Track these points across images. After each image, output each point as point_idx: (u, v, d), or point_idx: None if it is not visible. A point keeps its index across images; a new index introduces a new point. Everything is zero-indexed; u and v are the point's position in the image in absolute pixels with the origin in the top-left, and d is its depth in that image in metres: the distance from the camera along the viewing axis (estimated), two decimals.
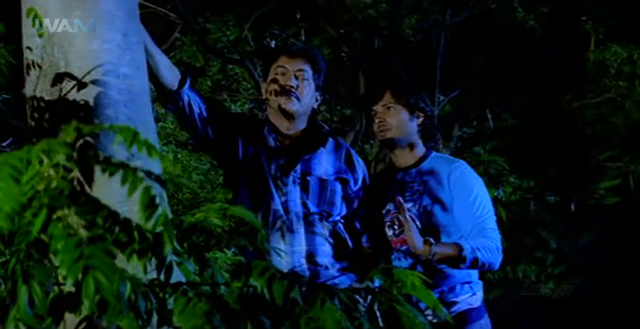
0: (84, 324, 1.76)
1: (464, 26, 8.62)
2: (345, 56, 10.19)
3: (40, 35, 2.20)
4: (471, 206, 3.46)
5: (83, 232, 1.30)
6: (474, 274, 3.54)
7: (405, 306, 1.90)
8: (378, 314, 1.90)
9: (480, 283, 3.55)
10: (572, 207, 9.56)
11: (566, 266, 9.72)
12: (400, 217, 3.29)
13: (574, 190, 9.31)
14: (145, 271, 1.49)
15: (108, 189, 1.95)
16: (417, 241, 3.24)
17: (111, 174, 1.47)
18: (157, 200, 1.43)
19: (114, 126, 1.60)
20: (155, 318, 1.75)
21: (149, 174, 1.52)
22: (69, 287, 1.24)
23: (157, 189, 1.50)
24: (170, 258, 1.76)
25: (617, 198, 8.99)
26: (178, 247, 1.78)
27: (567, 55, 8.35)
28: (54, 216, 1.29)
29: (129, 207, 2.06)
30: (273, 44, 10.25)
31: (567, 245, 9.96)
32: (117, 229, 1.42)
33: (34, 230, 1.28)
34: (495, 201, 9.21)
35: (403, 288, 1.99)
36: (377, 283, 2.16)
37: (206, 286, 1.77)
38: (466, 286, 3.49)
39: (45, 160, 1.36)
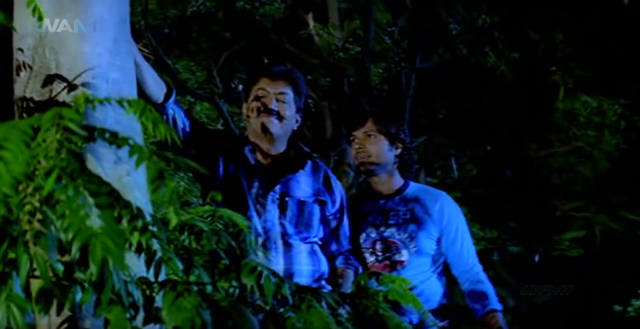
0: (65, 324, 1.76)
1: (431, 74, 8.76)
2: (311, 102, 10.27)
3: (40, 26, 2.20)
4: (454, 239, 3.61)
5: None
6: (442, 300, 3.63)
7: (389, 312, 1.91)
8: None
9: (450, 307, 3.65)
10: (536, 258, 9.62)
11: (521, 326, 9.74)
12: None
13: (537, 241, 9.39)
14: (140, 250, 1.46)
15: (99, 170, 1.95)
16: None
17: (119, 147, 1.47)
18: (164, 174, 1.43)
19: (124, 99, 1.61)
20: (141, 316, 1.74)
21: (153, 152, 1.51)
22: (74, 252, 1.22)
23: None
24: (160, 254, 1.76)
25: (581, 250, 9.07)
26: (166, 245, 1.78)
27: (535, 104, 8.49)
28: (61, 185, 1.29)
29: (121, 189, 2.08)
30: (240, 87, 10.32)
31: (525, 303, 9.98)
32: (118, 206, 1.42)
33: (45, 189, 1.27)
34: None
35: (389, 294, 1.99)
36: None
37: (194, 286, 1.77)
38: (437, 311, 3.56)
39: (54, 128, 1.36)
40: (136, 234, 1.46)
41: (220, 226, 1.97)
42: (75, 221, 1.23)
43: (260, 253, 3.16)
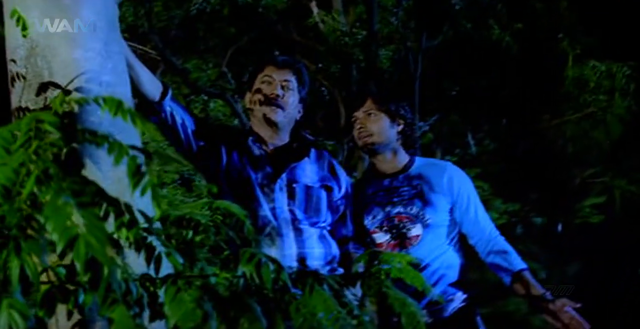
0: (75, 320, 1.78)
1: (439, 52, 8.72)
2: (324, 90, 10.26)
3: (24, 36, 2.22)
4: (467, 207, 3.60)
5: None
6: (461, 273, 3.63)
7: (393, 290, 1.92)
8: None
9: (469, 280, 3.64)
10: (559, 227, 9.58)
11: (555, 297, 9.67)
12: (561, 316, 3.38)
13: (559, 210, 9.35)
14: (132, 245, 1.48)
15: (98, 173, 1.97)
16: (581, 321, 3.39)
17: (98, 145, 1.49)
18: (143, 168, 1.45)
19: (99, 98, 1.63)
20: (147, 313, 1.76)
21: (133, 147, 1.53)
22: (59, 251, 1.24)
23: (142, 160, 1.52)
24: (160, 249, 1.78)
25: (602, 216, 9.02)
26: (165, 240, 1.80)
27: (544, 74, 8.44)
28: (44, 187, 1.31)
29: (120, 191, 2.10)
30: None
31: (557, 274, 9.94)
32: (105, 203, 1.44)
33: (23, 194, 1.29)
34: None
35: (391, 272, 2.00)
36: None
37: (197, 279, 1.78)
38: (457, 284, 3.57)
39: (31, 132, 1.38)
40: (124, 230, 1.47)
41: (220, 218, 1.98)
42: (59, 221, 1.25)
43: (269, 240, 3.19)
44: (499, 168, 9.40)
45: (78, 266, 1.24)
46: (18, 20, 2.19)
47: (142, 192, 1.45)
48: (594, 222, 9.01)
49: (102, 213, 1.43)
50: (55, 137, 1.48)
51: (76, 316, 1.78)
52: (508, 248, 3.56)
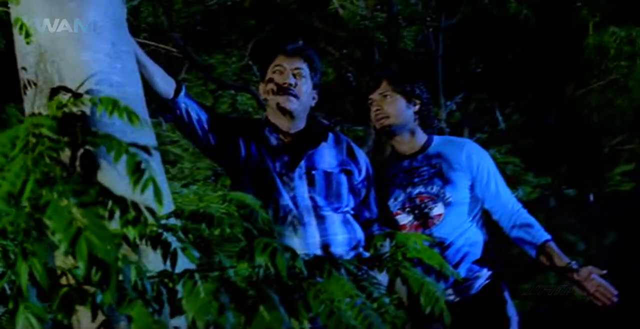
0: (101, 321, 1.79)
1: (459, 29, 8.66)
2: (350, 75, 10.23)
3: (27, 43, 2.23)
4: (488, 182, 3.56)
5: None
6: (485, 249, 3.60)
7: (411, 270, 1.91)
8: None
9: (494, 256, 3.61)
10: (591, 198, 9.49)
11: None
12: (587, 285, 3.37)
13: (590, 181, 9.26)
14: (137, 239, 1.48)
15: (114, 173, 1.98)
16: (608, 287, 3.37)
17: (96, 146, 1.50)
18: (144, 165, 1.45)
19: (94, 98, 1.63)
20: (167, 310, 1.77)
21: (133, 145, 1.53)
22: (63, 249, 1.25)
23: (147, 158, 1.52)
24: (175, 245, 1.79)
25: (633, 183, 8.92)
26: (182, 235, 1.81)
27: (564, 44, 8.35)
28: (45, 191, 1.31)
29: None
30: None
31: (594, 245, 9.87)
32: (110, 202, 1.44)
33: (23, 197, 1.29)
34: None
35: (408, 252, 1.99)
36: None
37: (214, 272, 1.79)
38: (482, 261, 3.54)
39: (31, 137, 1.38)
40: (130, 228, 1.48)
41: (235, 209, 1.98)
42: (61, 221, 1.25)
43: (291, 229, 3.18)
44: (528, 143, 9.33)
45: (81, 264, 1.24)
46: (21, 27, 2.18)
47: (143, 189, 1.45)
48: (625, 190, 8.93)
49: (107, 212, 1.43)
50: (61, 139, 1.49)
51: (101, 317, 1.79)
52: (531, 220, 3.53)
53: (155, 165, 2.28)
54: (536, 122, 9.34)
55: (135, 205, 1.50)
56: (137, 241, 1.71)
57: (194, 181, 8.79)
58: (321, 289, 1.76)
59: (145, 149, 1.57)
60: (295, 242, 3.15)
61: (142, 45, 8.78)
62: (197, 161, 8.86)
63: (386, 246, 2.35)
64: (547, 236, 3.49)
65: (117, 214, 1.48)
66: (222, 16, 9.89)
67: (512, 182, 9.01)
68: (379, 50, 8.99)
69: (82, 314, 1.78)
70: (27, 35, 2.20)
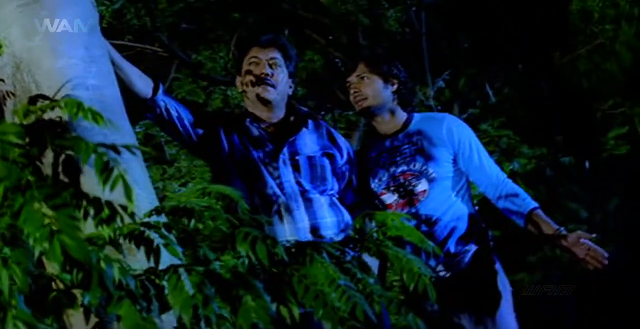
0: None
1: (441, 6, 8.64)
2: (338, 61, 10.22)
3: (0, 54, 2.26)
4: (478, 156, 3.60)
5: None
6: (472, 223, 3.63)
7: (393, 248, 1.94)
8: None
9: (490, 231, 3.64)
10: (587, 164, 9.48)
11: (600, 234, 9.65)
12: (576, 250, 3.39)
13: (584, 147, 9.26)
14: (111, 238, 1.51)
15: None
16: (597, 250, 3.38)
17: (64, 149, 1.52)
18: (112, 163, 1.48)
19: (57, 102, 1.66)
20: (156, 306, 1.79)
21: (101, 145, 1.56)
22: (37, 254, 1.28)
23: (116, 157, 1.55)
24: (158, 241, 1.81)
25: (628, 146, 8.91)
26: (164, 232, 1.83)
27: (548, 12, 8.31)
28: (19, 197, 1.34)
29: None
30: None
31: (598, 211, 9.86)
32: (84, 202, 1.47)
33: None
34: (513, 174, 9.21)
35: (388, 231, 2.01)
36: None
37: (199, 266, 1.81)
38: (470, 235, 3.56)
39: None
40: (105, 226, 1.50)
41: (214, 202, 2.00)
42: (34, 224, 1.27)
43: (280, 215, 3.22)
44: (521, 114, 9.32)
45: (56, 266, 1.27)
46: None
47: (112, 187, 1.48)
48: (620, 154, 8.92)
49: (82, 213, 1.46)
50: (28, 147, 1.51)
51: (94, 320, 1.82)
52: (518, 190, 3.55)
53: (135, 164, 2.32)
54: (527, 93, 9.33)
55: (109, 204, 1.53)
56: (120, 240, 1.74)
57: (191, 179, 8.83)
58: (305, 274, 1.79)
59: (114, 148, 1.59)
60: (285, 227, 3.21)
61: (128, 47, 8.80)
62: (194, 160, 8.88)
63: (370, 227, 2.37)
64: (534, 204, 3.51)
65: (91, 213, 1.50)
66: (207, 12, 9.88)
67: (507, 155, 9.01)
68: (363, 34, 8.99)
69: (74, 318, 1.80)
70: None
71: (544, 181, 9.43)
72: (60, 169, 1.94)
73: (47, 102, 2.27)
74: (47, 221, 1.29)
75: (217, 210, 1.86)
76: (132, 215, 1.63)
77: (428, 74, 8.25)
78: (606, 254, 3.33)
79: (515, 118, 9.19)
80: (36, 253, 1.28)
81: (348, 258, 1.97)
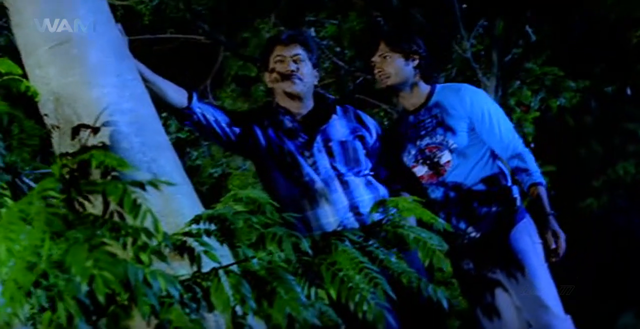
0: None
1: None
2: (380, 20, 10.18)
3: (37, 101, 2.44)
4: (490, 123, 3.67)
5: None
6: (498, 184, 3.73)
7: (409, 229, 2.09)
8: None
9: (516, 187, 3.73)
10: (628, 91, 9.42)
11: None
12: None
13: (624, 75, 9.18)
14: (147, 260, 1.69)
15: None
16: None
17: (96, 193, 1.71)
18: (139, 201, 1.66)
19: (88, 154, 1.83)
20: (204, 306, 1.98)
21: (132, 183, 1.73)
22: (84, 290, 1.47)
23: (142, 193, 1.72)
24: (198, 249, 2.00)
25: None
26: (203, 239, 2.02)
27: None
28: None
29: (166, 219, 2.33)
30: (313, 31, 10.23)
31: None
32: (122, 234, 1.65)
33: (43, 255, 1.52)
34: (561, 110, 9.21)
35: (402, 213, 2.16)
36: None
37: (239, 264, 1.99)
38: (496, 196, 3.68)
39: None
40: (142, 254, 1.68)
41: (243, 208, 2.18)
42: (78, 267, 1.46)
43: (320, 199, 3.38)
44: (565, 50, 9.26)
45: (101, 298, 1.46)
46: (27, 89, 2.39)
47: (142, 221, 1.65)
48: None
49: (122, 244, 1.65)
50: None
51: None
52: (528, 165, 3.66)
53: (177, 174, 2.49)
54: (564, 29, 9.25)
55: (146, 231, 1.70)
56: (166, 251, 1.93)
57: (229, 174, 9.12)
58: (332, 262, 1.96)
59: (140, 185, 1.76)
60: (326, 209, 3.38)
61: (171, 40, 8.89)
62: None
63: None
64: (541, 180, 3.65)
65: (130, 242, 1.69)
66: None
67: (554, 91, 9.03)
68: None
69: (134, 324, 2.00)
70: (35, 95, 2.40)
71: (591, 112, 9.43)
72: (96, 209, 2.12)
73: (87, 130, 2.46)
74: (88, 263, 1.48)
75: (246, 215, 2.04)
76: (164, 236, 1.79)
77: (461, 27, 8.25)
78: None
79: (561, 54, 9.15)
80: (83, 290, 1.47)
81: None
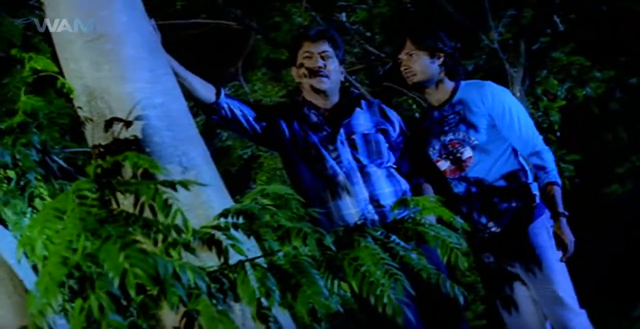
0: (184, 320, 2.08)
1: None
2: (409, 6, 10.16)
3: (72, 98, 2.50)
4: (511, 120, 3.70)
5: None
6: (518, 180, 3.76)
7: (429, 227, 2.13)
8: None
9: (535, 184, 3.76)
10: None
11: None
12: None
13: None
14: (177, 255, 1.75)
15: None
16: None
17: (129, 193, 1.77)
18: (170, 201, 1.72)
19: (122, 155, 1.88)
20: (231, 297, 2.04)
21: (162, 183, 1.79)
22: (116, 285, 1.54)
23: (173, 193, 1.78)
24: (225, 242, 2.06)
25: None
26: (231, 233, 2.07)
27: None
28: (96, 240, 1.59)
29: (196, 211, 2.39)
30: (344, 16, 10.21)
31: None
32: (153, 231, 1.71)
33: (79, 251, 1.58)
34: (587, 99, 9.18)
35: (423, 212, 2.21)
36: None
37: (265, 257, 2.05)
38: (517, 191, 3.71)
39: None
40: (172, 250, 1.74)
41: (268, 202, 2.23)
42: (111, 262, 1.53)
43: (342, 191, 3.43)
44: (591, 39, 9.21)
45: (132, 292, 1.53)
46: (63, 86, 2.45)
47: (173, 219, 1.71)
48: None
49: (152, 241, 1.71)
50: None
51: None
52: (545, 163, 3.70)
53: (207, 168, 2.55)
54: (591, 19, 9.20)
55: (176, 228, 1.76)
56: (195, 243, 1.99)
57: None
58: (352, 257, 2.01)
59: (171, 185, 1.82)
60: (347, 201, 3.43)
61: (203, 25, 8.94)
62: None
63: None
64: (557, 180, 3.68)
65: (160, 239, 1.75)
66: None
67: (579, 81, 9.00)
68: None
69: (163, 314, 2.07)
70: (71, 91, 2.46)
71: (617, 100, 9.36)
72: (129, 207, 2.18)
73: (120, 123, 2.52)
74: (120, 259, 1.54)
75: (273, 210, 2.09)
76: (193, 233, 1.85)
77: (489, 18, 8.24)
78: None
79: (587, 43, 9.10)
80: (115, 283, 1.53)
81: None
